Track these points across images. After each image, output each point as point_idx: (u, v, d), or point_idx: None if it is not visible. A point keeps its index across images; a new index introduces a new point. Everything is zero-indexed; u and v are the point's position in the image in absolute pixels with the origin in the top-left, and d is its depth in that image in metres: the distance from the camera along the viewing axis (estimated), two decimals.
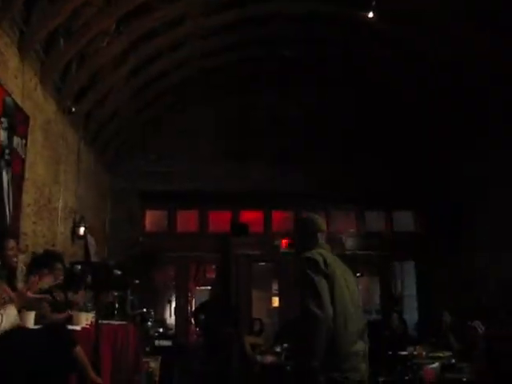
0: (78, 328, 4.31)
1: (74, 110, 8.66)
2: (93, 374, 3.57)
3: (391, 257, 12.70)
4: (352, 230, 12.50)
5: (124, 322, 5.08)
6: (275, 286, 14.08)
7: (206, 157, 11.94)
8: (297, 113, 12.22)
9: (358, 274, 12.81)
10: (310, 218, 3.53)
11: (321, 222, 3.49)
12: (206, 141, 12.06)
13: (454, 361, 5.85)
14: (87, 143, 9.82)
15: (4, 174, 6.12)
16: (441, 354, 6.34)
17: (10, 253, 3.99)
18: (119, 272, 5.35)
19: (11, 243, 4.07)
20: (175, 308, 12.52)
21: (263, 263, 13.08)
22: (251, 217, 12.23)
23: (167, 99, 11.71)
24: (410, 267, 13.09)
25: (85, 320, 4.73)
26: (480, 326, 5.96)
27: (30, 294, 3.53)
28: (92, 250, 9.46)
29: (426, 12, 8.85)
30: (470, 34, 8.64)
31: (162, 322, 10.71)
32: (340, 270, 3.20)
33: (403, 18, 9.25)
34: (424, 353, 6.47)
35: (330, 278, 3.03)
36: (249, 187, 11.62)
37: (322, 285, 2.98)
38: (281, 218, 12.55)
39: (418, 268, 12.59)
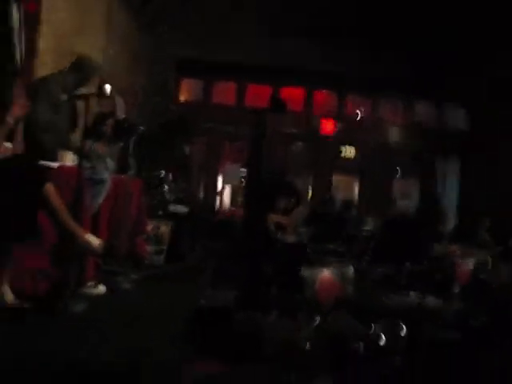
0: (54, 165, 3.59)
1: None
2: (65, 217, 3.04)
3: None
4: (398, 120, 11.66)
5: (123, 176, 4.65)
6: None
7: (251, 28, 11.02)
8: None
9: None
10: None
11: None
12: (251, 11, 11.07)
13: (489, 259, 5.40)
14: None
15: (14, 7, 5.53)
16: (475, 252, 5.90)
17: None
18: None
19: None
20: (204, 182, 12.15)
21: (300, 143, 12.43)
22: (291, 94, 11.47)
23: None
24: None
25: (71, 161, 3.95)
26: None
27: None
28: (120, 111, 9.01)
29: None
30: None
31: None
32: None
33: None
34: (458, 251, 5.98)
35: None
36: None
37: None
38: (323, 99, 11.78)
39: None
